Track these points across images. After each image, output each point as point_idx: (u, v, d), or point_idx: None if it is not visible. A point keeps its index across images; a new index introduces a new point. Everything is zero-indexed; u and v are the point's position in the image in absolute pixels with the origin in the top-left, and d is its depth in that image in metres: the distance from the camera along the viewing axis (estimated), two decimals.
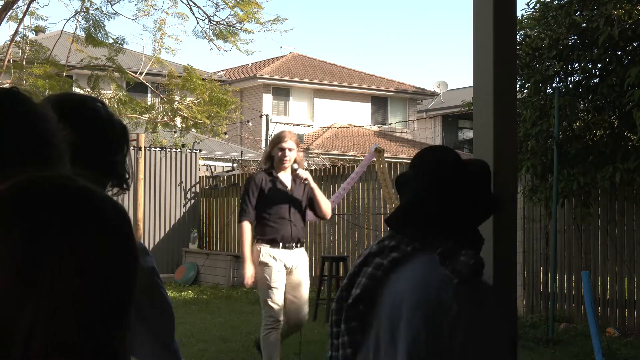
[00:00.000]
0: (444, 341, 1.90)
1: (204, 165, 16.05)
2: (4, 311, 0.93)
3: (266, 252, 5.78)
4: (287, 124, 24.03)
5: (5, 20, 12.51)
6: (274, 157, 5.85)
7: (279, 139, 5.81)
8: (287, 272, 5.85)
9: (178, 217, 14.74)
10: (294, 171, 5.83)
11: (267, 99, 28.43)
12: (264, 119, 12.19)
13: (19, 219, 0.96)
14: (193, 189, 14.97)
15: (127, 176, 1.87)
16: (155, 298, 1.82)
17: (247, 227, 5.77)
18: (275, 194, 5.79)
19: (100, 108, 1.88)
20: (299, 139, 29.49)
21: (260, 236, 5.80)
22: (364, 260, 2.16)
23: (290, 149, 5.78)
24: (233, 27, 13.44)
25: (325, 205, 5.95)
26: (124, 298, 1.02)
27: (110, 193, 1.88)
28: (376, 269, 2.11)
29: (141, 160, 13.28)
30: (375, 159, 9.67)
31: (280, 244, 5.78)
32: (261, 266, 5.79)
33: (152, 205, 14.18)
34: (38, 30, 19.24)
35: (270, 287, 5.82)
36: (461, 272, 1.93)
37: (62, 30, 13.74)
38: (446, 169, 2.07)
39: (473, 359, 1.90)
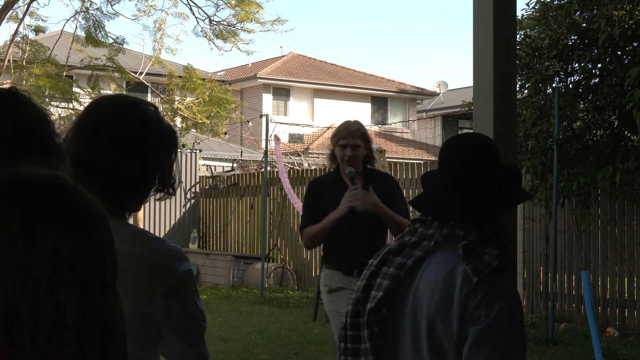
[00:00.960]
0: (462, 337, 1.90)
1: (204, 165, 16.05)
2: (9, 301, 0.94)
3: (337, 278, 4.43)
4: (287, 124, 24.03)
5: (5, 20, 12.51)
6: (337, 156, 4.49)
7: (337, 132, 4.45)
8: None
9: (178, 217, 14.74)
10: (351, 179, 4.37)
11: (267, 99, 28.44)
12: (264, 119, 12.13)
13: (12, 212, 0.98)
14: (193, 189, 14.97)
15: (173, 181, 1.88)
16: (186, 300, 1.84)
17: (310, 229, 4.41)
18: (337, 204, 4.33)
19: (152, 112, 1.89)
20: (300, 138, 29.16)
21: (325, 260, 4.54)
22: (383, 259, 2.09)
23: (355, 146, 4.37)
24: (233, 27, 13.45)
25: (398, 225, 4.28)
26: (109, 278, 1.05)
27: (155, 197, 1.89)
28: (399, 270, 2.04)
29: None
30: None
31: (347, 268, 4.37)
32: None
33: (152, 205, 14.18)
34: (38, 30, 19.25)
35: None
36: (482, 271, 1.90)
37: (62, 30, 13.75)
38: (465, 155, 2.03)
39: (491, 356, 1.89)
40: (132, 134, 1.83)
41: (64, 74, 13.65)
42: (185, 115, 14.27)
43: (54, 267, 0.96)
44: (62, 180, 1.03)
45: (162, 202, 14.42)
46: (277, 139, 11.50)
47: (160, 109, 15.11)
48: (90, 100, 1.96)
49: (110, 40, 13.14)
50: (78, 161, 1.77)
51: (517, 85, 8.84)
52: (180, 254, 1.87)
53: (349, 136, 4.39)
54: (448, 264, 1.96)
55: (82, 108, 14.40)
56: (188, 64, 14.51)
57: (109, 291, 1.03)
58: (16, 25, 13.19)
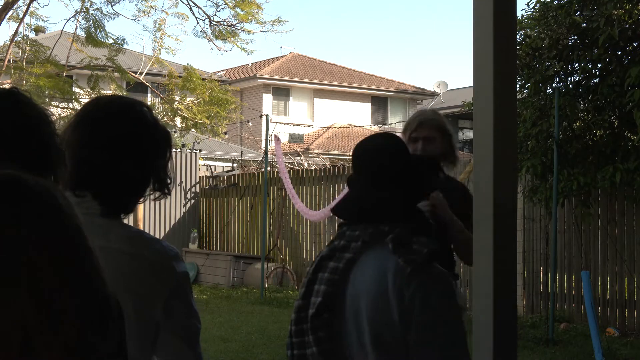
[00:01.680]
0: (403, 329, 1.93)
1: (204, 165, 16.05)
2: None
3: None
4: (287, 124, 24.03)
5: (5, 20, 12.51)
6: None
7: (408, 123, 3.67)
8: None
9: (178, 217, 14.75)
10: None
11: (267, 99, 28.44)
12: (264, 119, 12.14)
13: None
14: (193, 189, 14.97)
15: (169, 181, 1.89)
16: (185, 301, 1.85)
17: None
18: None
19: (147, 112, 1.91)
20: (300, 138, 29.12)
21: None
22: (317, 266, 2.14)
23: (427, 139, 3.54)
24: (233, 27, 13.45)
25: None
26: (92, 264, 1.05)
27: (152, 197, 1.90)
28: (333, 274, 2.08)
29: None
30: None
31: None
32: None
33: (152, 205, 14.19)
34: (38, 30, 19.26)
35: None
36: (415, 260, 1.93)
37: (62, 30, 13.75)
38: (382, 156, 2.12)
39: (433, 344, 1.92)
40: (128, 135, 1.83)
41: (64, 74, 13.65)
42: (185, 115, 14.27)
43: (30, 270, 0.95)
44: (6, 176, 1.02)
45: (162, 202, 14.42)
46: (277, 138, 11.51)
47: (160, 109, 15.14)
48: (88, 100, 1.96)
49: (110, 41, 13.14)
50: (75, 161, 1.77)
51: (517, 85, 8.85)
52: (178, 255, 1.88)
53: (421, 127, 3.58)
54: (378, 261, 2.00)
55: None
56: (188, 64, 14.52)
57: (94, 266, 1.03)
58: (16, 25, 13.19)
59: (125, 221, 1.92)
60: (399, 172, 2.10)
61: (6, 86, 1.57)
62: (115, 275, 1.70)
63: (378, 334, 1.96)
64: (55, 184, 1.08)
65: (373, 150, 2.15)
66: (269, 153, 12.23)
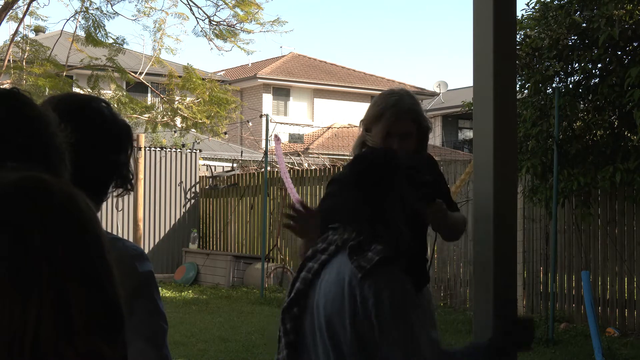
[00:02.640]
0: (354, 331, 2.05)
1: (204, 165, 16.05)
2: (10, 321, 0.93)
3: None
4: (287, 124, 24.03)
5: (5, 20, 12.51)
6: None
7: (382, 114, 2.98)
8: None
9: (178, 217, 14.74)
10: None
11: (267, 99, 28.44)
12: (264, 119, 12.13)
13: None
14: (193, 189, 14.97)
15: (131, 177, 1.88)
16: (149, 300, 1.82)
17: None
18: None
19: (104, 108, 1.89)
20: (300, 138, 29.16)
21: None
22: (301, 266, 2.29)
23: (404, 134, 2.89)
24: (233, 27, 13.45)
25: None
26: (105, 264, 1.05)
27: (114, 194, 1.88)
28: (308, 273, 2.24)
29: (141, 161, 13.28)
30: None
31: None
32: None
33: (152, 205, 14.19)
34: (38, 30, 19.27)
35: None
36: (365, 267, 2.05)
37: (62, 30, 13.75)
38: (356, 166, 2.24)
39: (390, 344, 2.01)
40: (86, 131, 1.81)
41: (64, 74, 13.65)
42: (185, 115, 14.27)
43: (52, 273, 0.95)
44: (34, 180, 1.02)
45: (162, 202, 14.43)
46: (277, 138, 11.49)
47: (160, 109, 15.14)
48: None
49: (110, 40, 13.14)
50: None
51: (517, 85, 8.84)
52: (142, 254, 1.85)
53: (398, 121, 2.90)
54: (341, 266, 2.13)
55: None
56: (188, 64, 14.52)
57: (111, 275, 1.03)
58: (16, 25, 13.19)
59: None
60: (367, 180, 2.17)
61: (6, 86, 1.57)
62: None
63: (333, 333, 2.10)
64: (75, 187, 1.08)
65: (353, 161, 2.29)
66: (269, 153, 12.23)
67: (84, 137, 1.81)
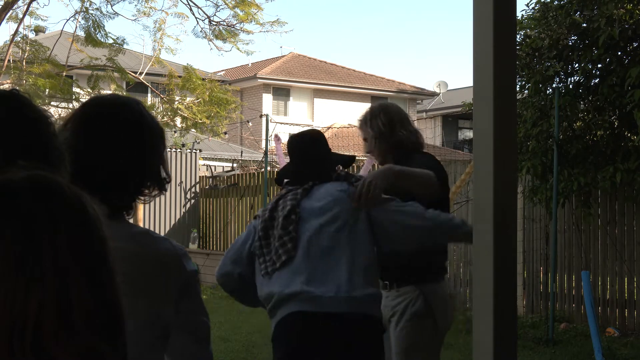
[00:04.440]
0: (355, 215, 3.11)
1: (204, 165, 16.05)
2: (12, 309, 0.95)
3: None
4: (287, 124, 24.03)
5: (5, 20, 12.52)
6: None
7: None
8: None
9: (178, 217, 14.75)
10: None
11: (267, 99, 28.44)
12: (264, 119, 12.15)
13: (7, 217, 0.98)
14: (193, 189, 14.97)
15: (167, 178, 1.88)
16: (195, 299, 1.86)
17: None
18: None
19: (142, 110, 1.90)
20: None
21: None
22: (272, 208, 3.13)
23: (364, 139, 3.77)
24: (233, 27, 13.46)
25: None
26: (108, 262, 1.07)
27: (150, 194, 1.88)
28: (294, 196, 3.10)
29: None
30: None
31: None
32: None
33: (152, 205, 14.19)
34: (38, 30, 19.26)
35: None
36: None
37: (62, 30, 13.75)
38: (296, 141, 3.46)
39: (402, 212, 3.11)
40: (125, 134, 1.82)
41: (64, 74, 13.65)
42: (185, 115, 14.27)
43: (56, 266, 0.97)
44: (45, 178, 1.04)
45: (162, 202, 14.43)
46: (277, 138, 11.51)
47: (160, 109, 15.14)
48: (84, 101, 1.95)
49: (110, 41, 13.14)
50: (76, 164, 1.76)
51: (517, 86, 8.84)
52: (186, 253, 1.88)
53: (359, 130, 3.79)
54: (331, 186, 3.15)
55: None
56: (188, 64, 14.52)
57: (112, 277, 1.05)
58: (16, 25, 13.20)
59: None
60: (320, 153, 3.30)
61: (6, 86, 1.57)
62: (125, 276, 1.70)
63: (336, 219, 2.99)
64: (82, 189, 1.10)
65: (302, 142, 3.39)
66: (269, 153, 12.23)
67: (124, 138, 1.81)
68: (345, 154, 3.61)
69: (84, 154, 1.78)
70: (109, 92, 14.16)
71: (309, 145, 3.32)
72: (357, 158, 4.56)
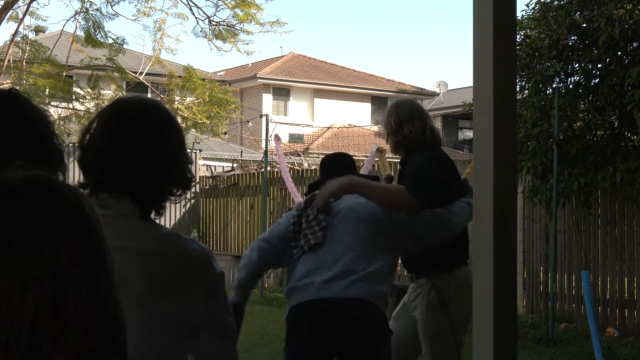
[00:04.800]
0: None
1: (204, 165, 16.05)
2: (8, 309, 0.95)
3: None
4: (287, 124, 24.03)
5: (5, 20, 12.52)
6: None
7: None
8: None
9: (178, 217, 14.75)
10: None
11: (267, 99, 28.44)
12: (264, 119, 12.15)
13: (4, 217, 0.98)
14: (193, 189, 14.97)
15: (191, 177, 1.89)
16: (223, 300, 1.88)
17: None
18: None
19: (166, 111, 1.92)
20: (300, 138, 29.24)
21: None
22: (306, 205, 3.50)
23: (386, 136, 4.09)
24: (233, 27, 13.46)
25: None
26: (106, 266, 1.06)
27: (177, 194, 1.89)
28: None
29: None
30: (377, 159, 9.71)
31: None
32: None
33: None
34: (38, 30, 19.26)
35: None
36: None
37: (62, 30, 13.76)
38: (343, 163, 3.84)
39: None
40: (152, 135, 1.82)
41: (64, 74, 13.65)
42: (185, 115, 14.28)
43: (53, 266, 0.97)
44: (44, 178, 1.04)
45: None
46: (277, 138, 11.49)
47: None
48: (109, 102, 1.95)
49: (110, 41, 13.15)
50: (106, 165, 1.76)
51: (517, 86, 8.84)
52: (213, 256, 1.89)
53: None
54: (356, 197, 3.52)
55: (82, 108, 14.24)
56: (188, 64, 14.53)
57: (110, 277, 1.05)
58: (16, 25, 13.20)
59: None
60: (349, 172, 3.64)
61: (6, 86, 1.57)
62: (155, 276, 1.71)
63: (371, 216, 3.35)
64: (81, 189, 1.10)
65: (343, 161, 3.80)
66: (269, 153, 12.23)
67: (151, 139, 1.81)
68: (371, 174, 4.07)
69: (111, 155, 1.77)
70: (109, 92, 14.17)
71: (340, 164, 3.72)
72: (356, 158, 4.72)
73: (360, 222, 3.33)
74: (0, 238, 0.97)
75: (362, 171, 10.32)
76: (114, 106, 1.87)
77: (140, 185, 1.78)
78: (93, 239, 1.04)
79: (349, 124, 26.62)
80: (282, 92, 28.90)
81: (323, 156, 3.97)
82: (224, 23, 13.41)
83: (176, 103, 14.79)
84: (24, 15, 13.14)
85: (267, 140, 12.02)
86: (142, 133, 1.80)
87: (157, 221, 1.87)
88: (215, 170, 15.93)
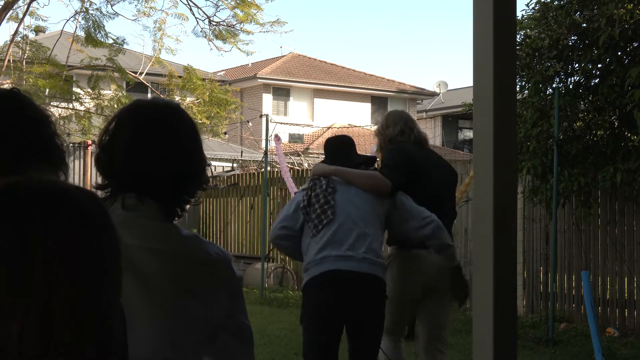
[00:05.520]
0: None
1: None
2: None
3: None
4: (287, 124, 24.02)
5: (5, 20, 12.52)
6: None
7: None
8: None
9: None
10: None
11: (267, 99, 28.44)
12: (264, 119, 12.16)
13: (2, 225, 0.94)
14: None
15: (208, 178, 1.90)
16: (242, 302, 1.88)
17: None
18: None
19: (185, 113, 1.92)
20: (300, 138, 29.23)
21: None
22: (314, 184, 4.11)
23: None
24: (233, 27, 13.46)
25: None
26: (113, 287, 1.02)
27: (196, 196, 1.90)
28: (327, 183, 4.09)
29: None
30: (377, 159, 9.72)
31: None
32: None
33: None
34: (38, 30, 19.27)
35: None
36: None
37: (62, 30, 13.76)
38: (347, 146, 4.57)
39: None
40: (176, 137, 1.82)
41: (64, 74, 13.65)
42: None
43: (47, 278, 0.92)
44: (54, 184, 1.01)
45: None
46: (277, 138, 11.50)
47: None
48: (126, 104, 1.94)
49: (110, 41, 13.16)
50: (132, 167, 1.76)
51: (518, 86, 8.84)
52: (232, 258, 1.89)
53: None
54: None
55: (82, 108, 14.20)
56: (188, 64, 14.53)
57: (109, 291, 1.01)
58: (16, 25, 13.20)
59: None
60: (351, 152, 4.45)
61: (6, 86, 1.58)
62: (177, 278, 1.72)
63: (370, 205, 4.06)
64: (95, 193, 1.06)
65: (344, 143, 4.54)
66: (269, 153, 12.23)
67: (176, 141, 1.82)
68: (368, 155, 4.74)
69: (135, 157, 1.77)
70: (109, 92, 14.17)
71: (342, 145, 4.44)
72: None
73: (362, 199, 4.03)
74: None
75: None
76: (133, 108, 1.87)
77: (165, 188, 1.79)
78: (97, 251, 0.99)
79: (349, 124, 26.60)
80: (282, 92, 28.90)
81: (327, 138, 4.59)
82: (224, 23, 13.42)
83: None
84: (24, 15, 13.15)
85: (267, 140, 12.02)
86: (166, 135, 1.81)
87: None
88: (215, 170, 15.93)
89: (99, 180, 1.82)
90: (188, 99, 14.94)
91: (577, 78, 9.02)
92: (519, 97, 9.10)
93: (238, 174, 14.87)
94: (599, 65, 8.63)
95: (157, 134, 1.80)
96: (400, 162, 4.38)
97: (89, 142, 13.20)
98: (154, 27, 14.70)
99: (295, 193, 4.36)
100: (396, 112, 4.91)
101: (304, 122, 27.44)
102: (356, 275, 3.82)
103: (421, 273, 4.34)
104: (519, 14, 9.70)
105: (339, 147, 4.42)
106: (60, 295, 0.93)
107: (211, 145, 20.02)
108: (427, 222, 4.07)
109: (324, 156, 4.42)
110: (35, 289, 0.91)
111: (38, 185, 0.99)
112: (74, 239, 0.97)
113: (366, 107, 30.07)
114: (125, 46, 13.68)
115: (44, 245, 0.93)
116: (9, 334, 0.90)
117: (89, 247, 0.98)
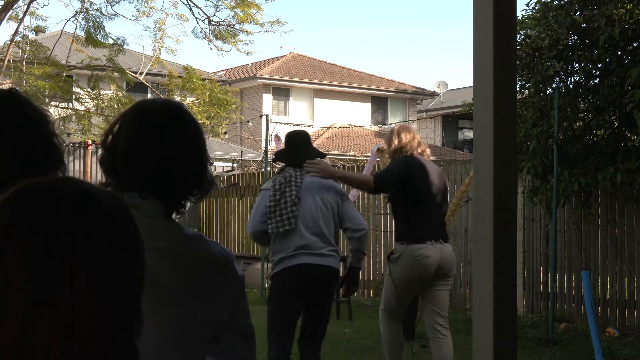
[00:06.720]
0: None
1: None
2: (14, 332, 0.89)
3: None
4: (287, 124, 24.01)
5: (5, 20, 12.52)
6: None
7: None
8: None
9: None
10: None
11: (267, 99, 28.44)
12: (264, 119, 12.16)
13: (23, 231, 0.92)
14: None
15: (211, 180, 1.88)
16: (245, 302, 1.89)
17: None
18: None
19: (189, 112, 1.92)
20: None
21: None
22: (283, 181, 4.97)
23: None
24: (232, 28, 13.46)
25: None
26: (136, 294, 1.01)
27: (196, 195, 1.89)
28: (296, 178, 4.95)
29: None
30: (378, 159, 9.73)
31: None
32: None
33: None
34: (38, 30, 19.27)
35: None
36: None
37: (62, 31, 13.77)
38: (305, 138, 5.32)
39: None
40: (181, 137, 1.82)
41: (64, 74, 13.66)
42: None
43: (70, 293, 0.90)
44: (92, 191, 0.98)
45: None
46: (277, 138, 11.51)
47: None
48: (135, 103, 1.95)
49: (110, 41, 13.17)
50: (136, 165, 1.76)
51: (518, 86, 8.84)
52: (234, 257, 1.89)
53: None
54: (317, 179, 5.12)
55: (82, 108, 14.22)
56: (188, 64, 14.54)
57: (130, 314, 0.99)
58: (16, 25, 13.20)
59: None
60: (308, 145, 5.20)
61: (6, 86, 1.58)
62: (182, 277, 1.72)
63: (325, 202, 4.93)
64: (121, 197, 1.04)
65: (304, 138, 5.19)
66: (269, 153, 12.23)
67: (181, 141, 1.82)
68: (321, 151, 5.40)
69: (138, 156, 1.77)
70: (109, 92, 14.17)
71: (302, 140, 5.14)
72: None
73: (322, 199, 4.93)
74: (24, 252, 0.90)
75: (364, 171, 10.34)
76: (138, 108, 1.87)
77: (169, 187, 1.79)
78: (122, 260, 0.96)
79: (349, 124, 26.60)
80: (282, 92, 28.90)
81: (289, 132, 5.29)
82: (224, 23, 13.42)
83: None
84: (24, 15, 13.15)
85: (267, 140, 12.02)
86: (171, 134, 1.81)
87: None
88: (215, 170, 15.92)
89: (102, 179, 1.82)
90: (188, 99, 14.94)
91: (577, 78, 9.02)
92: (519, 97, 9.09)
93: (238, 174, 14.86)
94: (599, 65, 8.63)
95: (161, 134, 1.81)
96: (393, 170, 5.45)
97: (89, 142, 13.21)
98: (154, 27, 14.73)
99: (261, 190, 5.18)
100: (400, 127, 5.81)
101: (304, 122, 27.43)
102: (320, 267, 4.83)
103: (423, 265, 5.24)
104: (519, 14, 9.71)
105: (301, 141, 5.14)
106: (85, 304, 0.91)
107: (211, 145, 20.00)
108: (359, 228, 5.01)
109: (284, 147, 5.21)
110: (60, 299, 0.90)
111: (69, 188, 0.96)
112: (101, 247, 0.94)
113: (366, 107, 30.06)
114: (125, 46, 13.70)
115: (71, 256, 0.91)
116: (37, 343, 0.88)
117: (114, 257, 0.96)
